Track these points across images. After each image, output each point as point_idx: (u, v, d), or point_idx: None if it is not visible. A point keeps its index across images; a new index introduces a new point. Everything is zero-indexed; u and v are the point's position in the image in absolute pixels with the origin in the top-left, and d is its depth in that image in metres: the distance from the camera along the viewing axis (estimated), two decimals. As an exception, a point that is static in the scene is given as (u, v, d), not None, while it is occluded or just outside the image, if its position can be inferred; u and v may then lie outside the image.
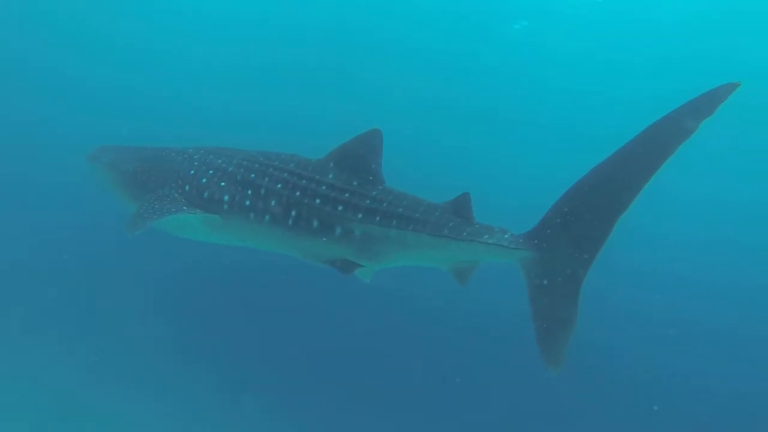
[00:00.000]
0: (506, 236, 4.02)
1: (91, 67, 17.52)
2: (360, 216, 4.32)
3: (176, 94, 16.96)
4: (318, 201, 4.43)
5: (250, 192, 4.64)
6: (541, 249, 3.88)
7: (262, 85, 18.25)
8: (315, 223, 4.42)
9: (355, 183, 4.46)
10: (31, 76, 16.80)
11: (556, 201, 3.89)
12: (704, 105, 3.48)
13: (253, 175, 4.69)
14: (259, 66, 19.25)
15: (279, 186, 4.57)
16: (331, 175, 4.53)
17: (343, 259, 4.44)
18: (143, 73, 18.05)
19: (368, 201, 4.35)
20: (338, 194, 4.42)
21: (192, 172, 4.94)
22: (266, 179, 4.63)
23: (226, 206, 4.70)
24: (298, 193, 4.49)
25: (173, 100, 16.65)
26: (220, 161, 4.92)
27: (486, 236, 4.04)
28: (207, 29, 20.20)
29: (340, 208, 4.37)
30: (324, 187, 4.47)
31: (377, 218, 4.28)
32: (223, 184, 4.76)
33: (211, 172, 4.87)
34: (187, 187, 4.88)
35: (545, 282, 3.86)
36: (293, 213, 4.48)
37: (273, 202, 4.55)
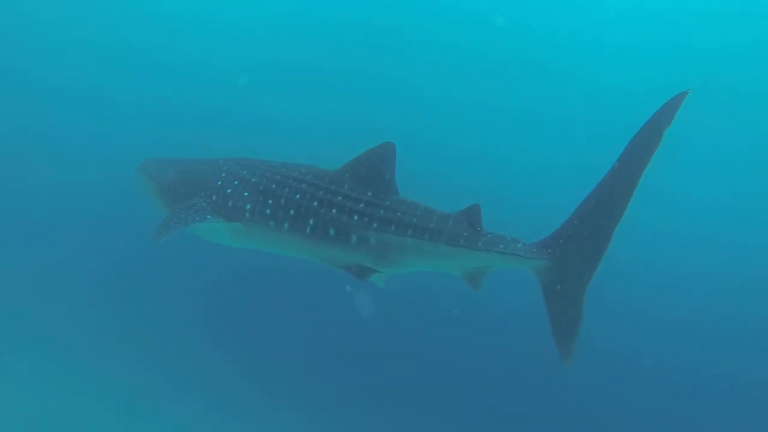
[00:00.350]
0: (519, 246, 4.33)
1: (122, 78, 17.54)
2: (375, 225, 4.57)
3: (195, 101, 16.97)
4: (334, 211, 4.68)
5: (270, 201, 4.91)
6: (555, 257, 4.24)
7: (268, 88, 18.32)
8: (331, 231, 4.67)
9: (369, 193, 4.70)
10: (51, 86, 16.89)
11: (569, 215, 4.28)
12: (662, 117, 3.93)
13: (274, 186, 4.96)
14: (260, 66, 19.35)
15: (298, 196, 4.83)
16: (346, 186, 4.76)
17: (359, 265, 4.70)
18: (180, 82, 18.04)
19: (383, 211, 4.59)
20: (354, 204, 4.66)
21: (219, 182, 5.22)
22: (286, 189, 4.89)
23: (248, 215, 4.97)
24: (315, 203, 4.75)
25: (196, 107, 16.66)
26: (244, 172, 5.19)
27: (501, 246, 4.33)
28: (229, 35, 20.37)
29: (355, 217, 4.62)
30: (340, 198, 4.71)
31: (392, 227, 4.53)
32: (246, 194, 5.03)
33: (236, 182, 5.15)
34: (214, 197, 5.16)
35: (558, 287, 4.24)
36: (311, 222, 4.73)
37: (292, 212, 4.81)
